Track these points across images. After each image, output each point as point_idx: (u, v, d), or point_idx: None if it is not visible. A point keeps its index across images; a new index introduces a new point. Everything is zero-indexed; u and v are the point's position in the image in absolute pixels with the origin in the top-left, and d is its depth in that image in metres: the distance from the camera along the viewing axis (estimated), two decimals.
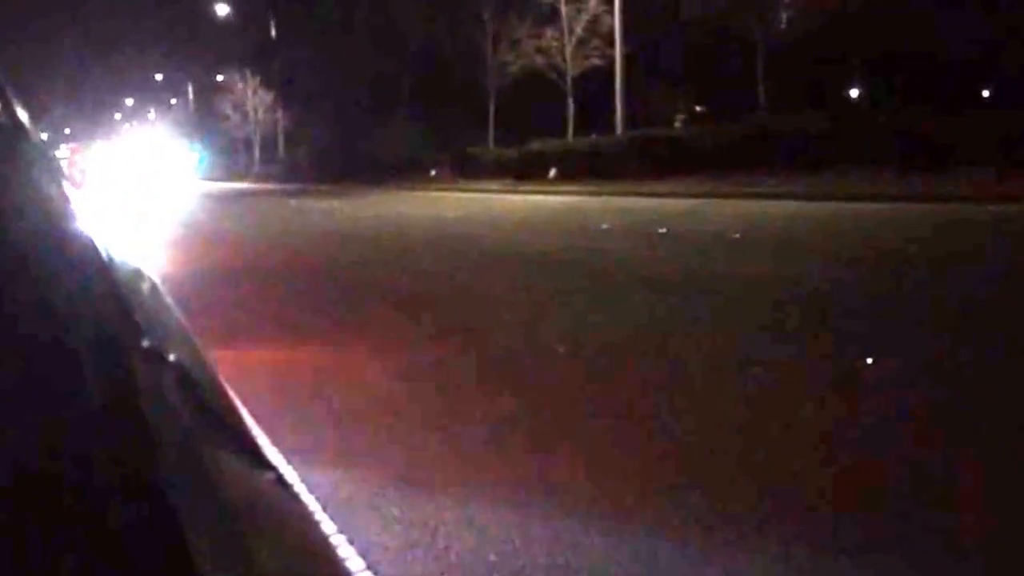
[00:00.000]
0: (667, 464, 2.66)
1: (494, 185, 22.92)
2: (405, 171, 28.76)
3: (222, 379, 0.48)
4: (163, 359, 0.40)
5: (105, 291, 0.44)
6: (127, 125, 72.01)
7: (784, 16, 18.41)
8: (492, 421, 3.15)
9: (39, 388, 0.33)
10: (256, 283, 7.34)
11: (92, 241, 0.51)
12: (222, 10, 45.48)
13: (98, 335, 0.38)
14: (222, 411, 0.43)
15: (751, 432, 2.93)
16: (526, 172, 23.14)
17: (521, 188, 21.46)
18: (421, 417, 3.25)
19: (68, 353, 0.36)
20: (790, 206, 12.79)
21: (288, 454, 2.63)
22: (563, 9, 24.17)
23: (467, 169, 26.32)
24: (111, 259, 0.49)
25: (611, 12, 21.94)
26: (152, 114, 67.28)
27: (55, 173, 0.66)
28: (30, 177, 0.57)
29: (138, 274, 0.54)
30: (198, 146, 49.28)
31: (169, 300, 0.55)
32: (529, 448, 2.84)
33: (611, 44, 21.83)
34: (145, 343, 0.40)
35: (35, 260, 0.44)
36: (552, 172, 22.63)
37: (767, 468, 2.58)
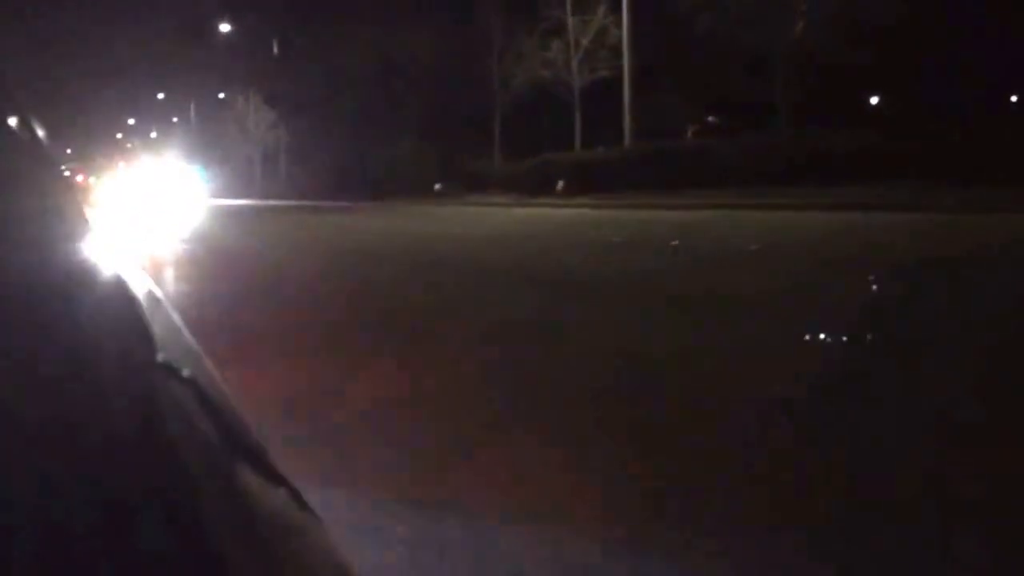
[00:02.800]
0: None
1: (501, 199, 22.69)
2: (411, 187, 28.54)
3: (232, 395, 0.46)
4: (178, 374, 0.40)
5: (120, 305, 0.44)
6: (129, 144, 72.10)
7: (800, 26, 18.20)
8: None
9: (60, 404, 0.34)
10: (279, 307, 7.01)
11: (106, 256, 0.50)
12: (224, 28, 45.55)
13: (116, 350, 0.38)
14: (237, 426, 0.42)
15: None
16: (534, 186, 22.93)
17: (528, 202, 21.24)
18: None
19: (88, 368, 0.36)
20: (807, 217, 12.54)
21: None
22: (569, 21, 24.04)
23: (474, 184, 26.11)
24: (122, 274, 0.49)
25: (618, 23, 21.78)
26: (154, 133, 67.36)
27: (70, 187, 0.60)
28: (47, 190, 0.55)
29: (145, 288, 0.52)
30: (199, 164, 49.29)
31: (176, 315, 0.53)
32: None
33: (619, 55, 21.65)
34: (160, 357, 0.39)
35: (52, 271, 0.44)
36: (560, 185, 22.41)
37: None
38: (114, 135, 74.92)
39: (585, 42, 23.89)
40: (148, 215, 21.56)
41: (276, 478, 0.39)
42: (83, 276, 0.44)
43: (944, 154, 13.85)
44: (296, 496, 0.39)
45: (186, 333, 0.51)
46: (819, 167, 15.66)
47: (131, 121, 73.89)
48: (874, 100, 19.54)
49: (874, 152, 15.18)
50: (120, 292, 0.45)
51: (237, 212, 26.46)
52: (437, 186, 28.31)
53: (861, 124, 16.97)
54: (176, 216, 22.42)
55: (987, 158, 13.26)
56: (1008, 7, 15.91)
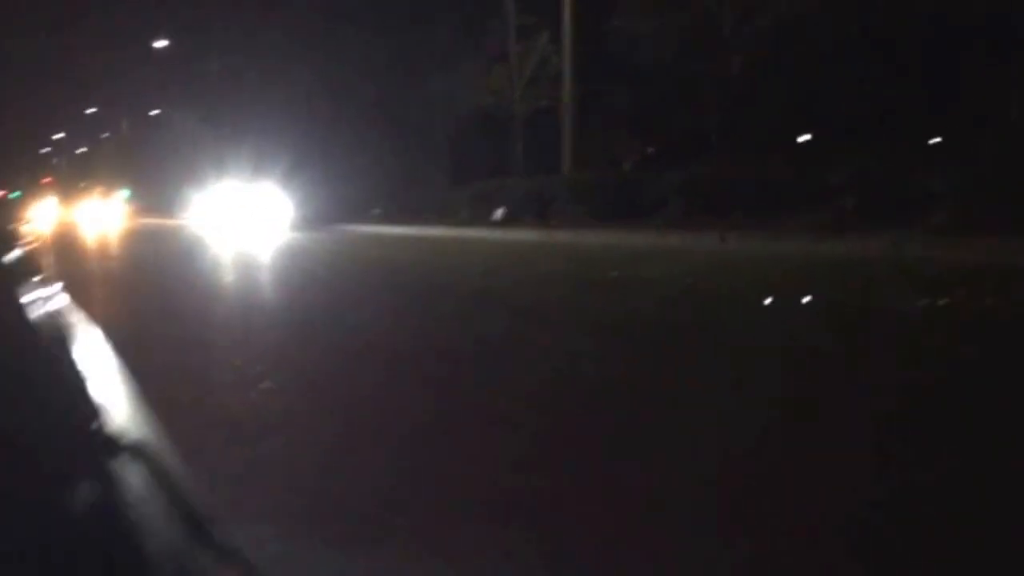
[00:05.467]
0: None
1: (440, 226, 22.50)
2: (349, 210, 28.08)
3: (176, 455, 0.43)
4: (127, 445, 0.37)
5: (60, 372, 0.40)
6: (55, 160, 69.65)
7: (736, 61, 18.62)
8: None
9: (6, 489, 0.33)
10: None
11: (48, 314, 0.47)
12: (161, 44, 44.57)
13: (59, 426, 0.36)
14: (187, 497, 0.39)
15: None
16: (473, 213, 22.84)
17: (467, 229, 21.13)
18: None
19: (31, 446, 0.35)
20: (739, 250, 12.81)
21: None
22: (512, 50, 24.13)
23: (413, 209, 25.90)
24: (64, 331, 0.46)
25: (559, 53, 21.97)
26: (83, 148, 65.19)
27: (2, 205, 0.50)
28: None
29: (82, 335, 0.49)
30: (126, 184, 47.80)
31: (115, 356, 0.50)
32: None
33: (560, 85, 21.80)
34: (105, 429, 0.37)
35: None
36: (499, 213, 22.31)
37: None
38: (38, 150, 72.02)
39: (527, 71, 24.00)
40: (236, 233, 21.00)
41: (227, 552, 0.37)
42: (17, 337, 0.40)
43: (874, 190, 14.22)
44: (249, 570, 0.37)
45: (127, 381, 0.47)
46: (753, 199, 15.88)
47: (58, 135, 71.26)
48: (806, 137, 20.09)
49: (808, 184, 15.45)
50: (59, 356, 0.41)
51: (164, 234, 25.70)
52: (376, 211, 27.99)
53: (797, 157, 17.34)
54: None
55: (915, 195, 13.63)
56: (940, 48, 16.58)
